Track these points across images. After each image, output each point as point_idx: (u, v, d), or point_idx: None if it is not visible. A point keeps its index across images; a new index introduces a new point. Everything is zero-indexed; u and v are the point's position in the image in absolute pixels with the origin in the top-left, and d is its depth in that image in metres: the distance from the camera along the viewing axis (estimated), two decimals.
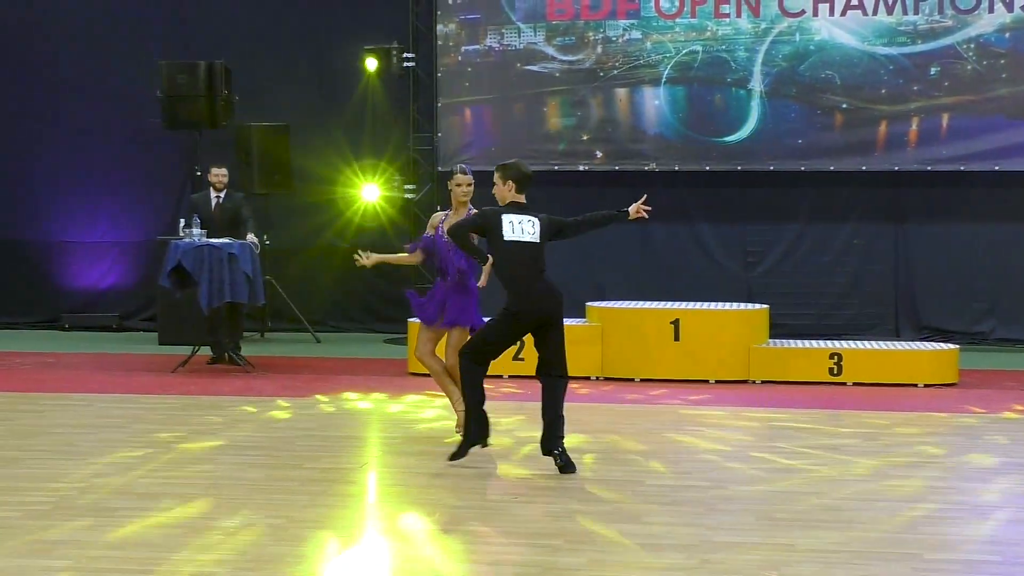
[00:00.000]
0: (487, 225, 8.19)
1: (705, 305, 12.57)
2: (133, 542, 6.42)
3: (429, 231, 9.23)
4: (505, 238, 8.09)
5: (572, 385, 11.50)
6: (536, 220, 8.25)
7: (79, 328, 15.82)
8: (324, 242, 15.70)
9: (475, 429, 8.25)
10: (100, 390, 11.43)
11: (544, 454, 8.12)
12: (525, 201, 8.32)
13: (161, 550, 6.28)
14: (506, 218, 8.15)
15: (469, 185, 9.12)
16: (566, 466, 8.00)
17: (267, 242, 14.45)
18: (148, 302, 15.73)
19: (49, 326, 16.01)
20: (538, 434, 8.16)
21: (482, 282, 8.52)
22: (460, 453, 8.21)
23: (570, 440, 8.43)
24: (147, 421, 9.86)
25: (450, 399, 9.15)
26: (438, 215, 9.28)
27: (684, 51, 14.46)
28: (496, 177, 8.38)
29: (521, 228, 8.16)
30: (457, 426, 8.98)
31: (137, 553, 6.23)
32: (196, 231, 12.31)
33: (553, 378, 8.17)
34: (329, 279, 15.71)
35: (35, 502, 7.21)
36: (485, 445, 8.32)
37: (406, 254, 9.44)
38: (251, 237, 12.42)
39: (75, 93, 16.03)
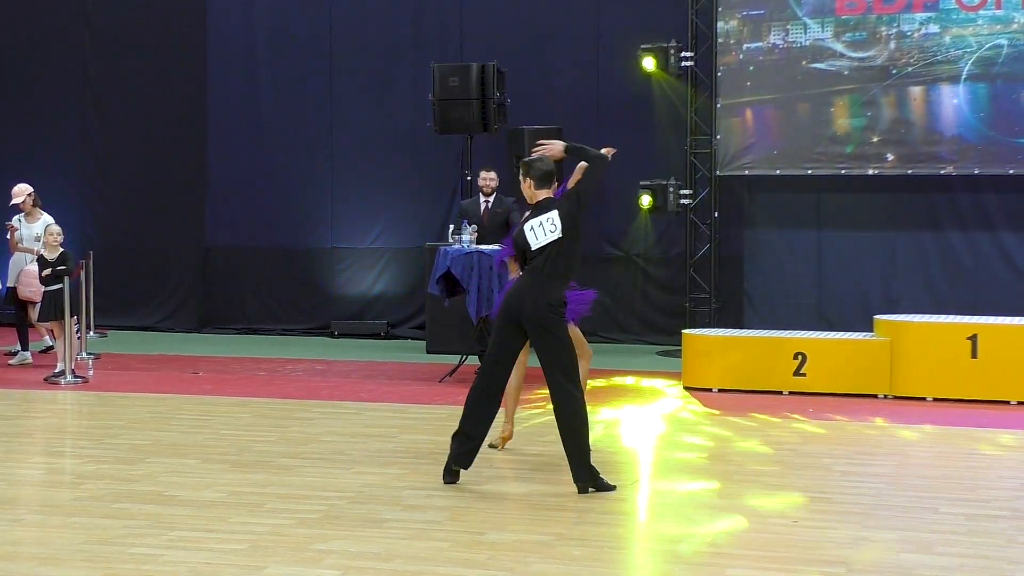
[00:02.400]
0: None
1: (1007, 320, 12.12)
2: (401, 554, 6.65)
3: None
4: (532, 248, 8.16)
5: (859, 404, 11.42)
6: (555, 213, 8.16)
7: (348, 335, 16.40)
8: (597, 249, 15.81)
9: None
10: (370, 399, 11.84)
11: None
12: (551, 196, 8.29)
13: (428, 563, 6.49)
14: (527, 225, 8.20)
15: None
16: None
17: None
18: (417, 310, 16.19)
19: (320, 333, 16.67)
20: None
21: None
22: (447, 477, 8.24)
23: (854, 461, 8.25)
24: (415, 431, 10.17)
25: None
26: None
27: (987, 45, 13.97)
28: (520, 175, 8.45)
29: (543, 229, 8.13)
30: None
31: (405, 566, 6.45)
32: (466, 237, 12.59)
33: (555, 401, 8.11)
34: (601, 288, 15.72)
35: (306, 510, 7.54)
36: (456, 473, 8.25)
37: None
38: None
39: (350, 98, 16.67)
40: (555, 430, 8.18)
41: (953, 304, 13.74)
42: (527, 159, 8.46)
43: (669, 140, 15.45)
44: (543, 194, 8.30)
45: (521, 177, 8.39)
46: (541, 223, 8.17)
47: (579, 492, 7.99)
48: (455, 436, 8.24)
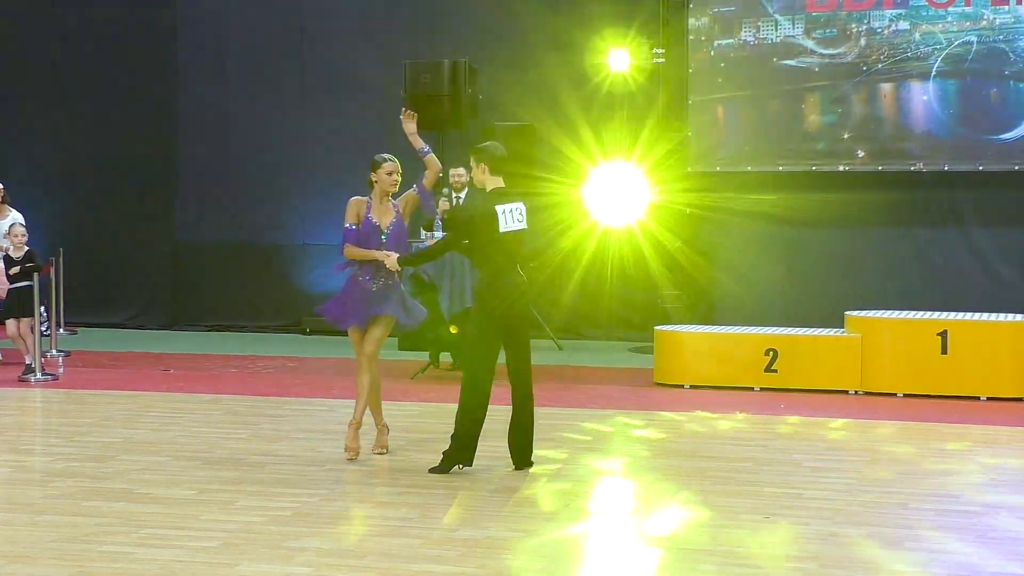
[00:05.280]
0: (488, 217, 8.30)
1: (977, 316, 12.19)
2: (373, 551, 6.65)
3: (351, 222, 8.82)
4: (501, 230, 8.27)
5: (829, 400, 11.48)
6: (522, 205, 8.43)
7: (320, 332, 16.34)
8: (569, 246, 15.84)
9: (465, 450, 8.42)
10: (341, 396, 11.81)
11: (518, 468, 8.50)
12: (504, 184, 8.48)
13: (400, 560, 6.49)
14: (499, 208, 8.29)
15: (400, 173, 8.87)
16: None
17: None
18: None
19: (291, 330, 16.64)
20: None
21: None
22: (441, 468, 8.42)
23: (825, 457, 8.29)
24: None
25: (369, 408, 9.01)
26: (359, 201, 8.89)
27: (957, 42, 14.06)
28: (470, 162, 8.54)
29: (512, 216, 8.32)
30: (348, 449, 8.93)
31: (378, 563, 6.45)
32: (438, 235, 12.59)
33: (525, 396, 8.43)
34: (573, 284, 15.86)
35: (278, 508, 7.53)
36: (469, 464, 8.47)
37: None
38: None
39: (321, 94, 16.64)
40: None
41: (923, 300, 13.82)
42: (479, 145, 8.64)
43: (641, 136, 15.45)
44: (498, 180, 8.43)
45: (474, 163, 8.48)
46: (511, 210, 8.31)
47: (518, 469, 8.47)
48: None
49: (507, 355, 8.46)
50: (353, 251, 8.74)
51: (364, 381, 8.86)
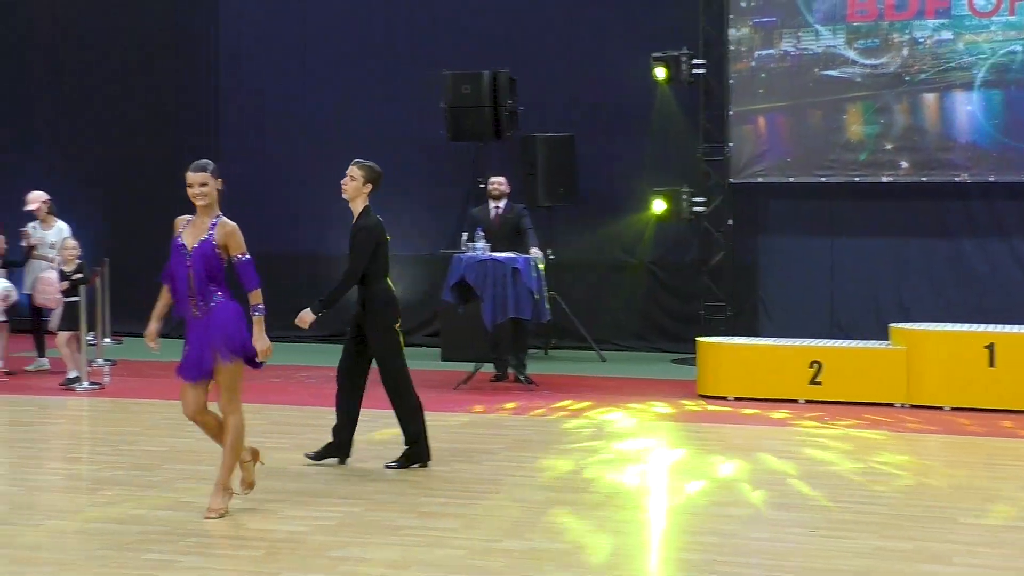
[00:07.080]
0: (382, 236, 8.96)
1: None
2: (416, 561, 6.63)
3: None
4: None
5: (872, 413, 11.38)
6: None
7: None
8: (610, 257, 15.81)
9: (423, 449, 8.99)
10: (382, 406, 11.77)
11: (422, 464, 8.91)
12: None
13: (442, 571, 6.46)
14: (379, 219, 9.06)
15: (202, 185, 7.57)
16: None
17: (551, 256, 14.63)
18: (431, 317, 16.16)
19: (333, 340, 16.61)
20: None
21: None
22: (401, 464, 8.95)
23: (871, 471, 8.17)
24: (430, 439, 10.11)
25: (234, 459, 7.79)
26: (179, 221, 7.83)
27: (1001, 52, 13.93)
28: (357, 172, 8.82)
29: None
30: (243, 484, 7.93)
31: (421, 573, 6.43)
32: (479, 244, 12.57)
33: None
34: (615, 296, 15.81)
35: (321, 517, 7.52)
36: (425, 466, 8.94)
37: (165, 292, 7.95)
38: (535, 251, 12.59)
39: (362, 105, 16.65)
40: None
41: (965, 312, 13.68)
42: (367, 163, 9.03)
43: (682, 148, 15.41)
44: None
45: (361, 176, 8.96)
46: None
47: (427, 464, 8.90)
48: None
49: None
50: None
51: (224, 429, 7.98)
